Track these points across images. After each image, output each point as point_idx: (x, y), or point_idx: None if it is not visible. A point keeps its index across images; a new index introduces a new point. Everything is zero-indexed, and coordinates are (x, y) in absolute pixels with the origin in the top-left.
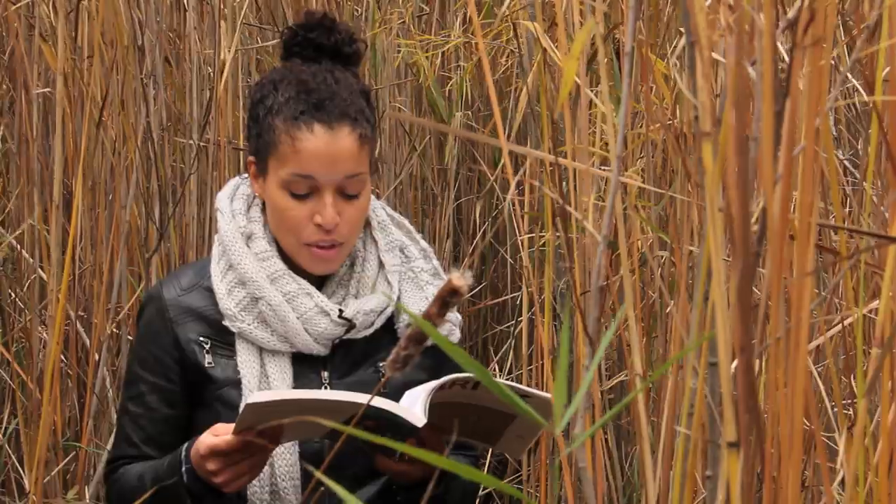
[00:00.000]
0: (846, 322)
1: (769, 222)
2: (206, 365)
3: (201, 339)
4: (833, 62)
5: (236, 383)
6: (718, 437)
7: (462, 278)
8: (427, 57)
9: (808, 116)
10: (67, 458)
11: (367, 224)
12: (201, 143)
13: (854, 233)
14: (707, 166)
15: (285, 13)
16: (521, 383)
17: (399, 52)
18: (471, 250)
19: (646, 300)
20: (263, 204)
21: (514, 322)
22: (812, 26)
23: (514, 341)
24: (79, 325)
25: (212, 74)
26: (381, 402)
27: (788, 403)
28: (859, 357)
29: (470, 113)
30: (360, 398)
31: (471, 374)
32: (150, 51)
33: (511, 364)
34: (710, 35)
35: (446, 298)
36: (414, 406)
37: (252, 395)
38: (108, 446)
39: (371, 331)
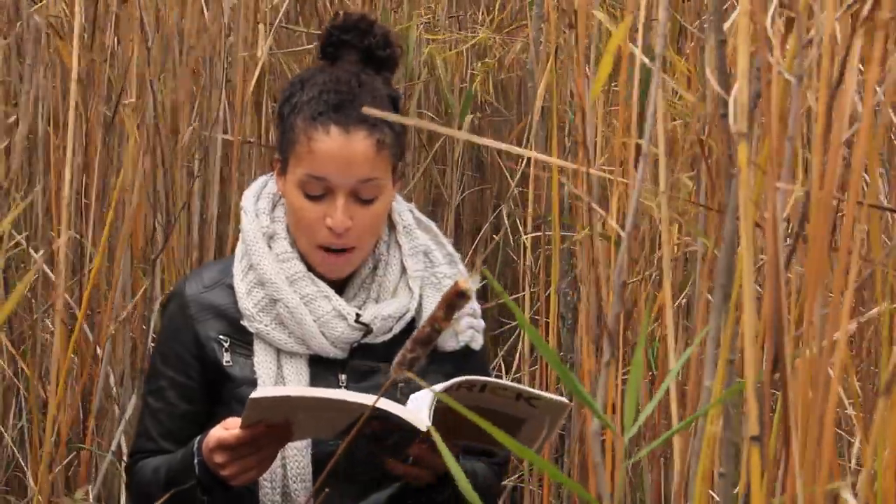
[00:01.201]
0: (862, 319)
1: (812, 210)
2: (225, 363)
3: (221, 337)
4: None
5: (253, 383)
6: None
7: (468, 281)
8: (456, 53)
9: (867, 103)
10: (70, 457)
11: (393, 227)
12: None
13: None
14: (742, 166)
15: (318, 13)
16: (521, 383)
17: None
18: (472, 249)
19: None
20: None
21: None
22: (877, 10)
23: (519, 341)
24: (84, 324)
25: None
26: (386, 405)
27: (816, 401)
28: (885, 352)
29: (479, 115)
30: (367, 399)
31: (478, 377)
32: (161, 50)
33: (518, 363)
34: (751, 34)
35: (453, 301)
36: (420, 410)
37: (256, 390)
38: (112, 446)
39: (390, 336)
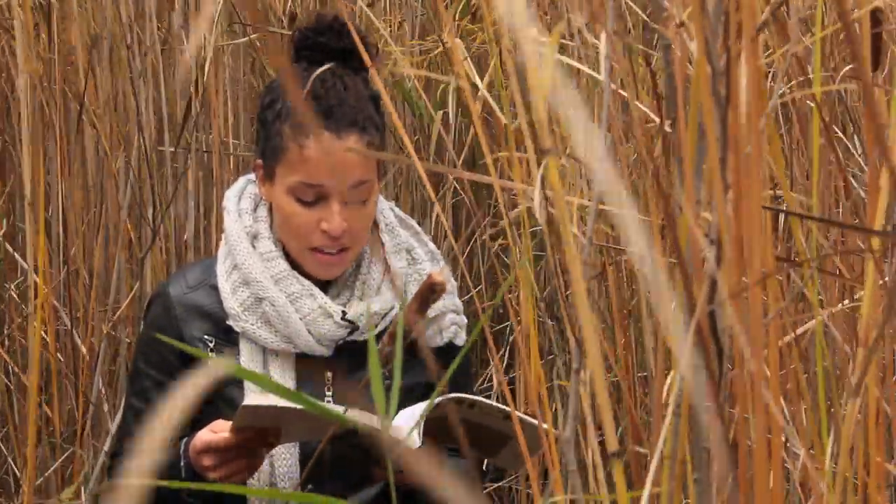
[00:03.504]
0: (805, 327)
1: (722, 233)
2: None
3: (206, 337)
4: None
5: (239, 382)
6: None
7: (441, 275)
8: (412, 63)
9: (753, 117)
10: (65, 455)
11: (375, 226)
12: (190, 145)
13: (835, 225)
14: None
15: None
16: (517, 385)
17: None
18: (467, 250)
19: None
20: (271, 204)
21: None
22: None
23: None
24: (72, 326)
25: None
26: (377, 421)
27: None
28: (819, 362)
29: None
30: (358, 415)
31: (468, 396)
32: (145, 49)
33: (511, 365)
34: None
35: (426, 295)
36: (407, 421)
37: (249, 396)
38: (105, 447)
39: (375, 333)
